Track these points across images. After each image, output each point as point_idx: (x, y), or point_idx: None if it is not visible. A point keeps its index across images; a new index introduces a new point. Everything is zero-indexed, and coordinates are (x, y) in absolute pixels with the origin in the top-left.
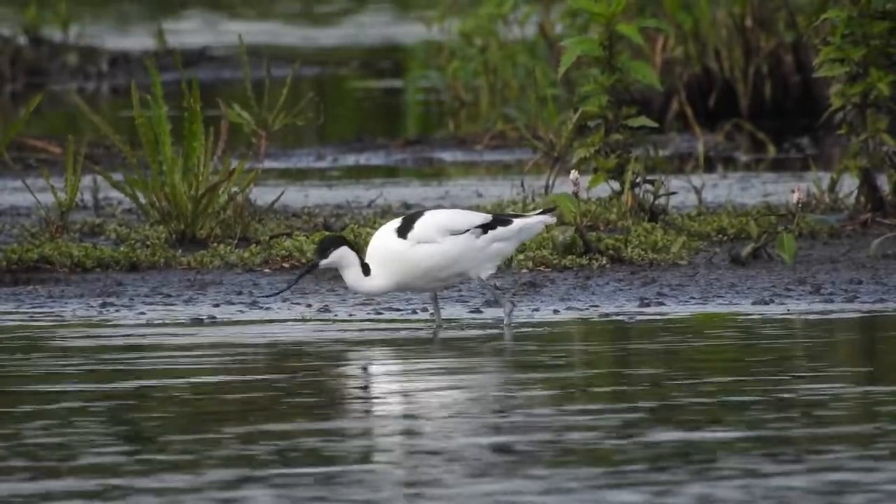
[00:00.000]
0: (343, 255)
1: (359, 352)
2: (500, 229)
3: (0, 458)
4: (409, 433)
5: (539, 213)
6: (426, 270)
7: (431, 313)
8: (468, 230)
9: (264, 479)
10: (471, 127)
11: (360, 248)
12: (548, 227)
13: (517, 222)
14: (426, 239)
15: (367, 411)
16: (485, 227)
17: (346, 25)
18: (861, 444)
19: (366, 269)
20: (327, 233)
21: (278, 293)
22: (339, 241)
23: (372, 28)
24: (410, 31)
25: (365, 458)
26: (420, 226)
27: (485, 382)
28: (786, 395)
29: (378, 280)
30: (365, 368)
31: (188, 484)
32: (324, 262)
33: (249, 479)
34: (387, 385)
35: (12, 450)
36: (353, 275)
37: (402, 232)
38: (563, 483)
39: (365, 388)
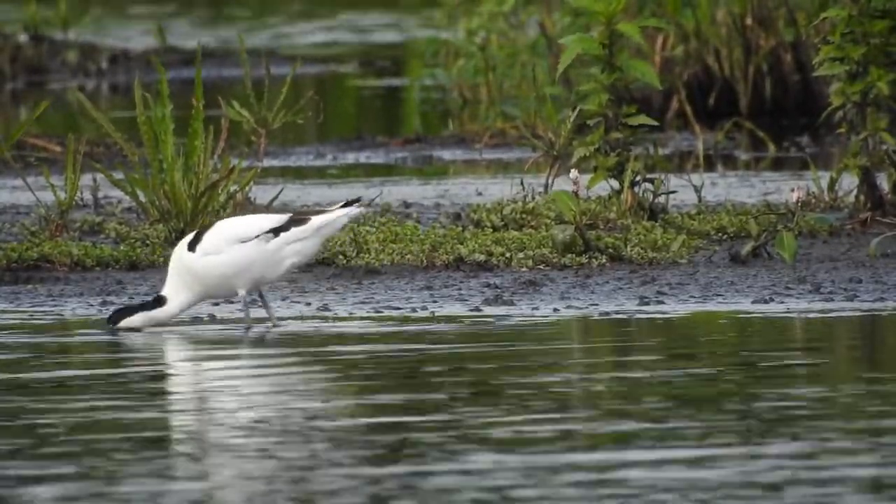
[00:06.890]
0: (130, 322)
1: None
2: (293, 230)
3: None
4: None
5: (341, 206)
6: (220, 280)
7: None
8: (257, 236)
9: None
10: (471, 125)
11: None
12: (547, 226)
13: (315, 220)
14: (214, 250)
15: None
16: (276, 231)
17: (347, 24)
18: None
19: (154, 303)
20: None
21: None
22: (122, 315)
23: (372, 27)
24: (411, 31)
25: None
26: (208, 237)
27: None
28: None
29: (174, 301)
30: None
31: None
32: (122, 325)
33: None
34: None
35: None
36: (147, 316)
37: (192, 245)
38: None
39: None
